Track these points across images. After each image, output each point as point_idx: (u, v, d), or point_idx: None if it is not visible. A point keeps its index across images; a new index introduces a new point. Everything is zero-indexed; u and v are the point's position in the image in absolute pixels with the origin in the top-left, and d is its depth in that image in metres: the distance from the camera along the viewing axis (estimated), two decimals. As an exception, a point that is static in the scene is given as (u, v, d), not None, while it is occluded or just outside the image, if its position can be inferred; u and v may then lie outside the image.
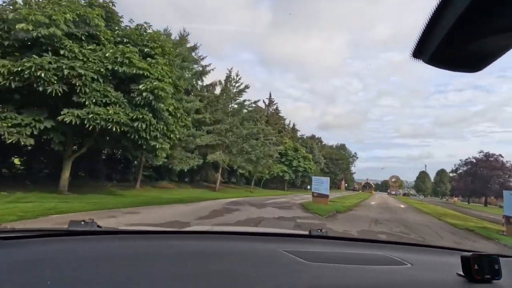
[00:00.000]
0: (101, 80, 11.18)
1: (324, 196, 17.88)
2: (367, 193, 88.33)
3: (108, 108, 11.00)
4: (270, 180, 45.44)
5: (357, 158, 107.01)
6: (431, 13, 0.39)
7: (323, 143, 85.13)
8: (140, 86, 11.64)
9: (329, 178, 18.84)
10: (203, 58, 29.16)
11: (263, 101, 50.23)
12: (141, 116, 11.57)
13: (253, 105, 30.44)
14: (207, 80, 32.45)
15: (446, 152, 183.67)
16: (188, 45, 27.06)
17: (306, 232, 1.43)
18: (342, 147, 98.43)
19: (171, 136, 13.66)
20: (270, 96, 53.39)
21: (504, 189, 58.82)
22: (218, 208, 12.85)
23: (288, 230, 1.83)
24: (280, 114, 53.74)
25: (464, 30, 0.39)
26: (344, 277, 0.88)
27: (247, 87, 29.06)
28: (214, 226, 4.07)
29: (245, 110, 29.69)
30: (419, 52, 0.45)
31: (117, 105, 11.41)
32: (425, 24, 0.41)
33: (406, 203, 33.67)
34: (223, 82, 30.66)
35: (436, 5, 0.39)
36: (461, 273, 0.90)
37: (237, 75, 29.12)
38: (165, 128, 12.82)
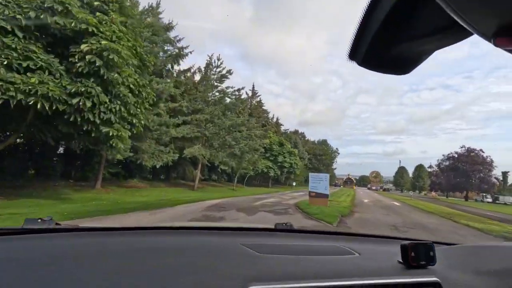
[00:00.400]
0: (19, 34, 7.57)
1: (323, 195, 15.12)
2: (349, 188, 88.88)
3: (30, 75, 7.45)
4: (253, 177, 42.51)
5: (339, 154, 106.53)
6: (361, 17, 0.41)
7: (306, 139, 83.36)
8: (82, 47, 8.13)
9: (328, 174, 16.06)
10: (179, 40, 25.50)
11: (246, 92, 46.99)
12: (83, 89, 8.06)
13: (237, 93, 27.13)
14: (185, 65, 28.93)
15: (418, 148, 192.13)
16: (162, 23, 23.31)
17: (272, 226, 1.50)
18: (324, 142, 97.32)
19: (133, 121, 10.22)
20: (254, 87, 50.35)
21: (484, 183, 59.66)
22: (196, 216, 9.69)
23: (254, 225, 1.78)
24: (263, 107, 50.80)
25: (389, 35, 0.42)
26: (292, 266, 0.93)
27: (229, 72, 25.73)
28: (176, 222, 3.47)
29: (228, 99, 26.40)
30: (353, 55, 0.47)
31: (47, 73, 7.86)
32: (356, 27, 0.43)
33: (398, 200, 31.95)
34: (202, 69, 27.19)
35: (365, 9, 0.40)
36: (401, 260, 0.98)
37: (218, 59, 25.72)
38: (122, 109, 9.36)
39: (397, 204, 25.59)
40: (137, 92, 10.37)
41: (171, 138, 21.49)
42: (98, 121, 8.67)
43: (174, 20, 24.36)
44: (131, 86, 9.75)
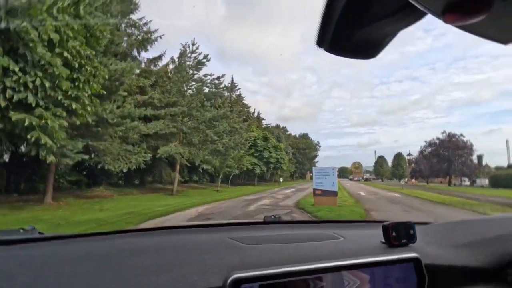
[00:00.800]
0: None
1: (331, 193, 12.50)
2: None
3: None
4: (237, 175, 39.54)
5: (320, 147, 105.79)
6: (324, 4, 0.41)
7: (288, 133, 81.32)
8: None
9: (335, 168, 13.43)
10: (146, 23, 21.86)
11: (225, 85, 43.63)
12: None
13: (216, 81, 23.88)
14: (154, 52, 25.31)
15: (391, 138, 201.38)
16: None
17: (261, 219, 1.55)
18: (305, 136, 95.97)
19: (72, 106, 6.92)
20: (233, 80, 46.93)
21: (466, 167, 60.48)
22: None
23: (244, 220, 1.96)
24: (244, 101, 47.71)
25: (351, 19, 0.43)
26: (278, 254, 0.95)
27: (206, 58, 22.41)
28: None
29: (206, 89, 23.12)
30: (321, 42, 0.47)
31: None
32: (320, 14, 0.43)
33: (392, 190, 30.31)
34: (176, 59, 23.70)
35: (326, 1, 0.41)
36: (383, 240, 1.02)
37: (193, 44, 22.33)
38: (48, 85, 6.04)
39: (397, 195, 23.65)
40: (76, 65, 7.04)
41: (141, 135, 17.99)
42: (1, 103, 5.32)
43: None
44: (64, 52, 6.43)
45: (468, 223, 1.26)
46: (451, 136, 57.77)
